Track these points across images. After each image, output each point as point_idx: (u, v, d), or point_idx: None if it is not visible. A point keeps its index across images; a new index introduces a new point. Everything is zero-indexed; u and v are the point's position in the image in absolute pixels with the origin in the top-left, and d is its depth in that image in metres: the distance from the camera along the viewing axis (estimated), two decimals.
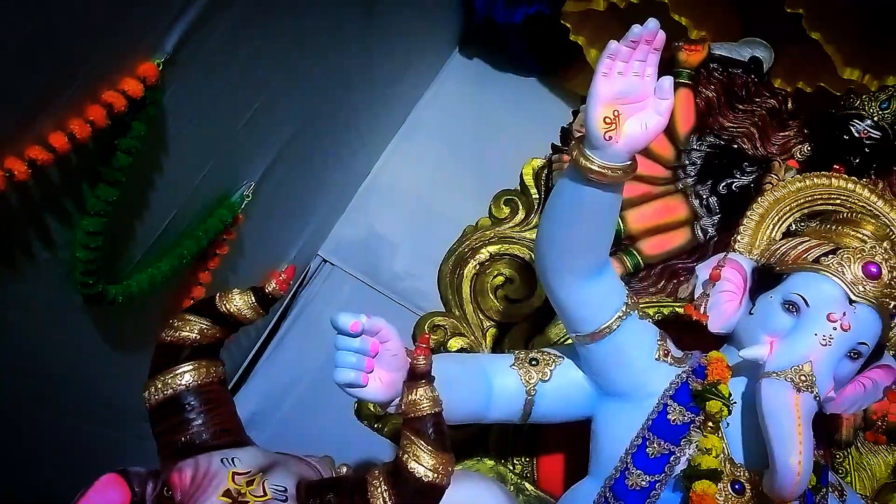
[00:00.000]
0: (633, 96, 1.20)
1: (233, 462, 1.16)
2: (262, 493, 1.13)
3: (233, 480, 1.13)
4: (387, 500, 1.15)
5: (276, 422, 2.64)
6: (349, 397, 1.27)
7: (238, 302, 1.25)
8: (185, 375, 1.23)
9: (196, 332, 1.24)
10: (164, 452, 1.22)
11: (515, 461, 1.84)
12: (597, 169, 1.22)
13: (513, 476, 1.79)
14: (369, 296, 2.68)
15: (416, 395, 1.19)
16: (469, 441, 1.80)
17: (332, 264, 2.75)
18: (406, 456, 1.16)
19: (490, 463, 1.79)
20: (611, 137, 1.20)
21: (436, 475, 1.16)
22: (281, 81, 1.89)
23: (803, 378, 1.36)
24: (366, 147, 2.74)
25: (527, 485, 1.78)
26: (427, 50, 2.83)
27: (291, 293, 2.73)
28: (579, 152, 1.24)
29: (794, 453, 1.29)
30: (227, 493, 1.11)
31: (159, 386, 1.23)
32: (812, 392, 1.36)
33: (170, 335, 1.25)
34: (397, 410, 1.27)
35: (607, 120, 1.19)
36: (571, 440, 1.66)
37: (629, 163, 1.24)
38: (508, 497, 1.59)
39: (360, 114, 2.52)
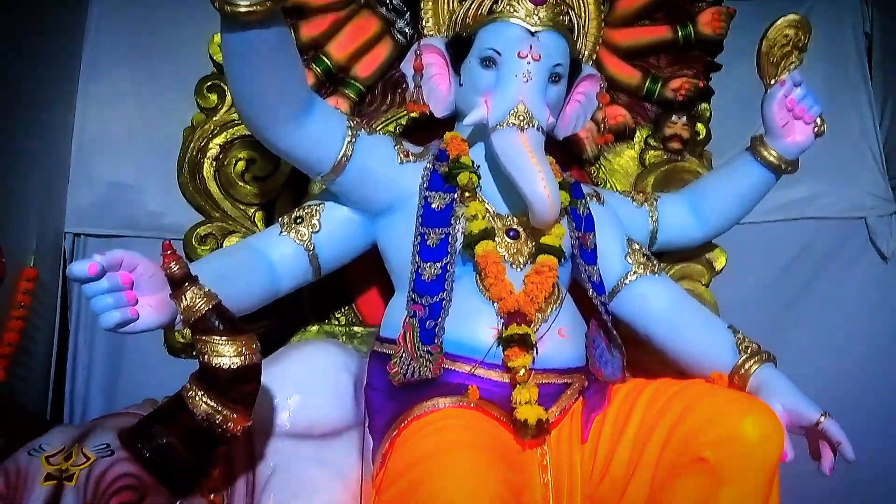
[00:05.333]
0: None
1: (40, 448, 1.12)
2: (85, 459, 1.11)
3: (48, 463, 1.09)
4: (207, 401, 1.15)
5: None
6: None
7: None
8: None
9: None
10: None
11: (337, 315, 1.91)
12: (244, 9, 1.19)
13: (340, 328, 1.86)
14: (140, 246, 2.53)
15: (186, 300, 1.17)
16: (286, 322, 1.82)
17: (87, 235, 2.57)
18: (206, 356, 1.16)
19: (314, 328, 1.84)
20: None
21: (242, 358, 1.16)
22: None
23: (521, 117, 1.48)
24: (53, 108, 2.49)
25: (355, 328, 1.86)
26: None
27: (60, 288, 2.54)
28: (220, 1, 1.20)
29: (537, 182, 1.43)
30: (48, 477, 1.07)
31: None
32: (534, 126, 1.48)
33: None
34: (182, 324, 1.26)
35: None
36: (375, 271, 1.73)
37: None
38: (339, 346, 1.66)
39: (26, 80, 2.27)
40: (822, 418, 1.35)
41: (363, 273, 1.84)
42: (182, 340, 1.74)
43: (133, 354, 2.55)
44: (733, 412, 1.24)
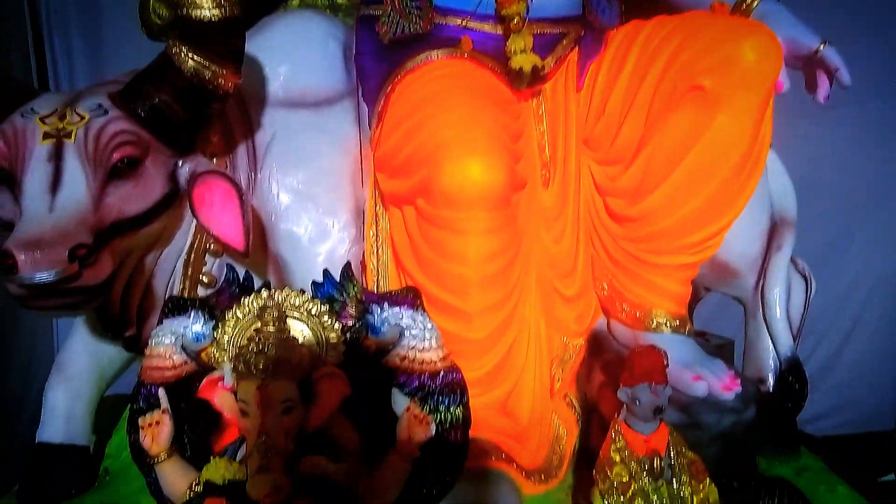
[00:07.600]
0: None
1: (32, 111, 1.11)
2: (80, 118, 1.10)
3: (44, 123, 1.09)
4: (193, 57, 1.11)
5: None
6: None
7: None
8: None
9: None
10: None
11: None
12: None
13: (322, 1, 1.76)
14: None
15: None
16: None
17: None
18: (185, 10, 1.08)
19: (295, 1, 1.74)
20: None
21: (221, 10, 1.08)
22: None
23: None
24: None
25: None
26: None
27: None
28: None
29: None
30: (46, 136, 1.08)
31: None
32: None
33: None
34: None
35: None
36: None
37: None
38: (324, 15, 1.60)
39: None
40: (822, 46, 1.31)
41: None
42: (159, 21, 1.66)
43: (112, 49, 2.44)
44: (733, 37, 1.20)
